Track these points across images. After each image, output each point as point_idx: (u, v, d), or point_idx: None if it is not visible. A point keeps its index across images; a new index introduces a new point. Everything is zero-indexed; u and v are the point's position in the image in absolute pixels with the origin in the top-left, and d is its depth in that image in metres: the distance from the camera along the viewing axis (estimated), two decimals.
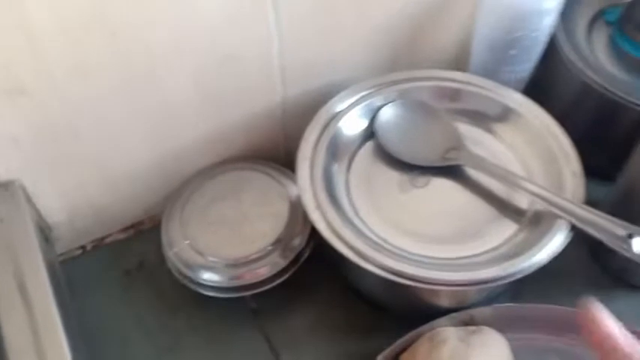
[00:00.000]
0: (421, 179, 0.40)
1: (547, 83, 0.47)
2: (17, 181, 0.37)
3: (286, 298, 0.42)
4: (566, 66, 0.44)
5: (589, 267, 0.45)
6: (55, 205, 0.41)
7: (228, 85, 0.40)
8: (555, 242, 0.35)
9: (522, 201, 0.39)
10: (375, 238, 0.37)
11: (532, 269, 0.35)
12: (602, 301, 0.43)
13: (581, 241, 0.44)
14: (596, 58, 0.45)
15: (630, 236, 0.34)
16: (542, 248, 0.35)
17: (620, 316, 0.40)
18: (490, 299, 0.40)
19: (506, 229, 0.38)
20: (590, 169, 0.39)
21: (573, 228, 0.36)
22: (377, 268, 0.35)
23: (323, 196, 0.37)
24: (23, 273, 0.34)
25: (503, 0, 0.41)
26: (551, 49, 0.45)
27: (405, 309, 0.41)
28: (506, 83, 0.44)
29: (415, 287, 0.35)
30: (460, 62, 0.47)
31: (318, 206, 0.37)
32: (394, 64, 0.46)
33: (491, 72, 0.45)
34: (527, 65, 0.44)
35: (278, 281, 0.40)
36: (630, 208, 0.40)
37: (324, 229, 0.36)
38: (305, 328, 0.42)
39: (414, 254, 0.37)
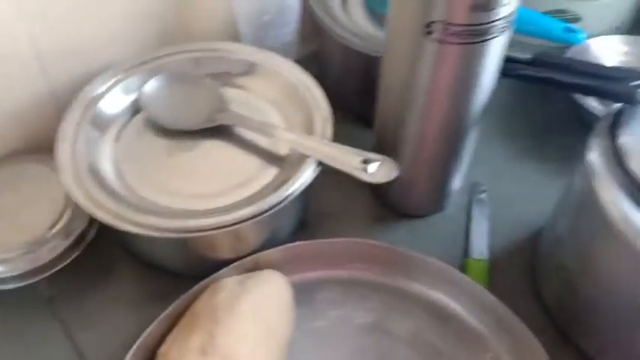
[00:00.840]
0: (188, 143, 0.42)
1: (320, 50, 0.51)
2: None
3: (81, 280, 0.43)
4: (325, 31, 0.48)
5: (371, 203, 0.49)
6: None
7: None
8: (304, 177, 0.39)
9: (282, 148, 0.42)
10: (140, 203, 0.39)
11: (282, 203, 0.38)
12: (384, 231, 0.48)
13: (366, 187, 0.49)
14: (352, 21, 0.49)
15: (366, 162, 0.39)
16: (292, 184, 0.38)
17: (399, 242, 0.45)
18: (281, 241, 0.42)
19: (269, 175, 0.41)
20: (364, 118, 0.43)
21: (320, 164, 0.40)
22: (136, 227, 0.36)
23: (85, 173, 0.39)
24: None
25: None
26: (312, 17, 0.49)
27: (193, 268, 0.42)
28: (274, 48, 0.48)
29: (185, 240, 0.37)
30: (231, 32, 0.50)
31: (80, 182, 0.38)
32: (165, 39, 0.48)
33: (258, 39, 0.48)
34: (286, 29, 0.48)
35: (63, 264, 0.40)
36: (383, 144, 0.44)
37: (83, 201, 0.37)
38: (100, 307, 0.42)
39: (179, 210, 0.39)
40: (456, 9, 0.33)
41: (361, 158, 0.38)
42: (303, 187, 0.38)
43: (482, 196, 0.50)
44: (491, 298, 0.40)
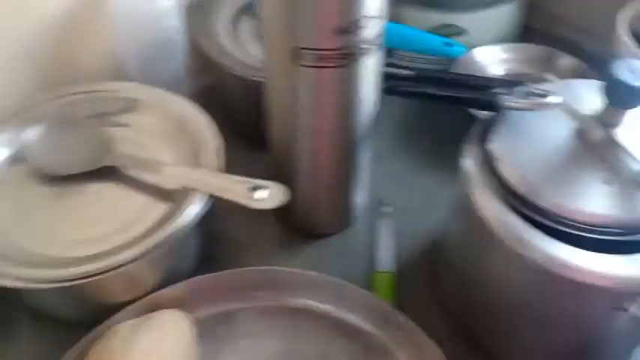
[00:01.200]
0: (75, 188, 0.41)
1: (214, 81, 0.52)
2: None
3: None
4: (213, 62, 0.48)
5: (278, 227, 0.49)
6: None
7: None
8: (192, 211, 0.38)
9: (171, 183, 0.41)
10: (23, 255, 0.37)
11: (169, 241, 0.37)
12: (291, 253, 0.48)
13: (270, 210, 0.48)
14: (242, 49, 0.50)
15: (254, 189, 0.39)
16: (179, 220, 0.38)
17: (307, 263, 0.45)
18: (184, 277, 0.41)
19: (159, 212, 0.40)
20: (262, 144, 0.44)
21: (211, 196, 0.39)
22: (14, 280, 0.35)
23: None
24: None
25: (127, 7, 0.44)
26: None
27: (90, 315, 0.40)
28: (164, 83, 0.47)
29: (73, 289, 0.36)
30: (118, 70, 0.49)
31: None
32: (48, 82, 0.47)
33: (144, 75, 0.48)
34: (172, 64, 0.48)
35: None
36: (279, 168, 0.45)
37: None
38: None
39: (65, 258, 0.38)
40: (319, 35, 0.34)
41: (249, 186, 0.38)
42: (192, 222, 0.38)
43: (387, 209, 0.50)
44: (394, 312, 0.40)
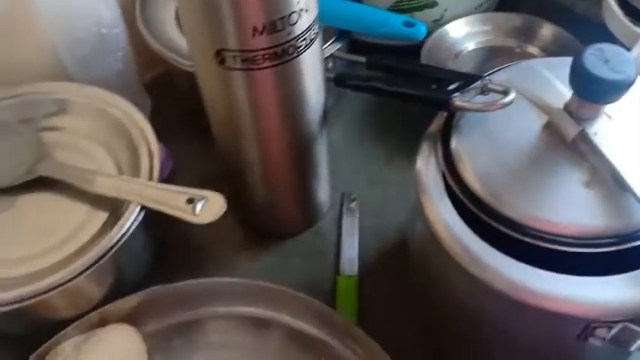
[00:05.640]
0: (7, 200, 0.39)
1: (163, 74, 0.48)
2: None
3: None
4: (160, 56, 0.45)
5: (238, 230, 0.47)
6: None
7: None
8: (129, 223, 0.36)
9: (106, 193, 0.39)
10: None
11: (109, 254, 0.35)
12: (253, 257, 0.46)
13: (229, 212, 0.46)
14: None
15: (191, 201, 0.36)
16: (113, 236, 0.35)
17: (270, 266, 0.43)
18: (135, 287, 0.39)
19: (98, 222, 0.38)
20: None
21: (143, 208, 0.37)
22: None
23: None
24: None
25: (55, 6, 0.40)
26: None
27: (38, 332, 0.39)
28: (108, 80, 0.44)
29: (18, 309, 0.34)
30: (58, 69, 0.46)
31: None
32: None
33: (85, 72, 0.44)
34: (111, 59, 0.44)
35: None
36: (230, 169, 0.41)
37: None
38: None
39: None
40: (241, 35, 0.30)
41: (186, 197, 0.35)
42: (131, 232, 0.35)
43: (353, 205, 0.47)
44: (351, 325, 0.37)
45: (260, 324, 0.40)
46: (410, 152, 0.52)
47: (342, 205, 0.47)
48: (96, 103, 0.41)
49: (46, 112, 0.42)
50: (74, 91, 0.42)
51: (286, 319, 0.39)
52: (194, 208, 0.35)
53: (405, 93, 0.34)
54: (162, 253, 0.44)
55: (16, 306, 0.34)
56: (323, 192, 0.45)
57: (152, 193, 0.36)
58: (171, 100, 0.51)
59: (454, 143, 0.32)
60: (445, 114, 0.34)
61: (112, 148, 0.41)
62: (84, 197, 0.39)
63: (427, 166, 0.33)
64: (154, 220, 0.39)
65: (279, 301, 0.39)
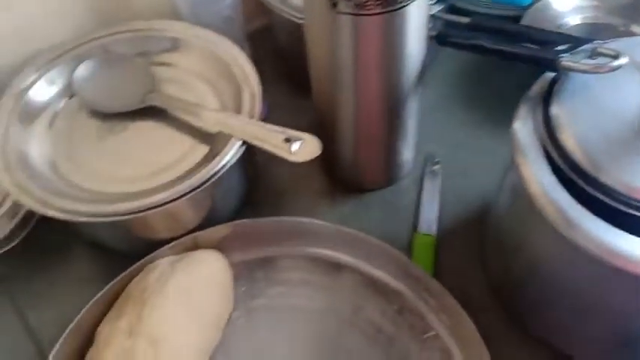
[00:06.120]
0: (120, 125, 0.42)
1: (268, 25, 0.50)
2: None
3: (31, 260, 0.44)
4: (268, 6, 0.47)
5: (322, 179, 0.49)
6: None
7: None
8: (227, 157, 0.38)
9: (210, 127, 0.41)
10: (69, 188, 0.39)
11: (207, 184, 0.38)
12: (333, 206, 0.48)
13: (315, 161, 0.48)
14: None
15: (288, 140, 0.38)
16: (215, 164, 0.38)
17: (349, 217, 0.44)
18: (225, 219, 0.42)
19: (199, 154, 0.41)
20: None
21: (243, 144, 0.39)
22: (61, 212, 0.36)
23: (15, 160, 0.39)
24: None
25: None
26: None
27: (134, 249, 0.42)
28: (215, 25, 0.46)
29: (117, 223, 0.37)
30: (170, 10, 0.49)
31: (9, 169, 0.38)
32: (102, 19, 0.47)
33: (196, 15, 0.47)
34: (221, 6, 0.46)
35: (11, 245, 0.42)
36: (323, 120, 0.43)
37: (9, 187, 0.37)
38: (49, 287, 0.43)
39: (109, 194, 0.39)
40: None
41: (284, 137, 0.37)
42: (229, 166, 0.38)
43: (436, 167, 0.48)
44: (431, 279, 0.39)
45: (336, 267, 0.42)
46: (499, 122, 0.52)
47: (425, 166, 0.48)
48: (205, 43, 0.44)
49: (160, 48, 0.45)
50: (187, 31, 0.45)
51: (362, 264, 0.41)
52: (290, 147, 0.37)
53: (510, 51, 0.34)
54: (252, 191, 0.46)
55: (118, 218, 0.37)
56: (408, 151, 0.46)
57: (253, 129, 0.38)
58: (268, 53, 0.53)
59: (555, 108, 0.32)
60: (547, 79, 0.34)
61: (216, 86, 0.43)
62: (188, 130, 0.42)
63: (524, 127, 0.33)
64: (249, 159, 0.41)
65: (358, 246, 0.41)
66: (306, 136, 0.38)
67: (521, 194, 0.32)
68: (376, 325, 0.40)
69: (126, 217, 0.37)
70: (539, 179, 0.31)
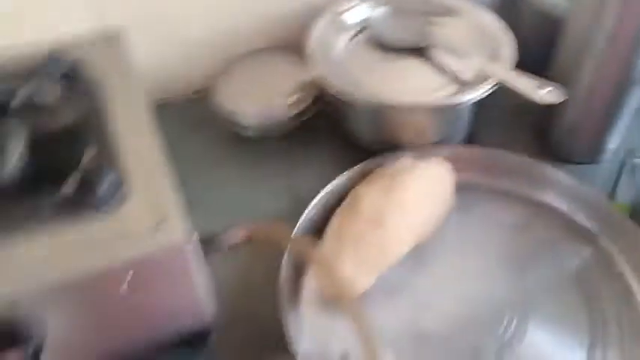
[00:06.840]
0: (398, 57, 0.56)
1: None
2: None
3: (300, 141, 0.57)
4: None
5: (530, 144, 0.57)
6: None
7: None
8: (480, 90, 0.50)
9: (467, 75, 0.53)
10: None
11: (465, 102, 0.50)
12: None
13: (527, 125, 0.58)
14: None
15: (539, 87, 0.48)
16: (463, 96, 0.50)
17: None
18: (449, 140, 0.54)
19: (451, 90, 0.52)
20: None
21: (497, 83, 0.50)
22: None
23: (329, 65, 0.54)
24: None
25: None
26: None
27: (379, 142, 0.54)
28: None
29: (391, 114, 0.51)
30: None
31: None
32: None
33: None
34: None
35: (300, 120, 0.56)
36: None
37: (326, 80, 0.52)
38: (309, 159, 0.57)
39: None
40: None
41: (536, 83, 0.48)
42: (482, 96, 0.50)
43: (636, 160, 0.54)
44: (633, 225, 0.46)
45: (532, 204, 0.51)
46: None
47: (625, 157, 0.53)
48: (468, 11, 0.58)
49: (438, 11, 0.59)
50: (458, 2, 0.59)
51: (569, 209, 0.50)
52: (540, 91, 0.48)
53: None
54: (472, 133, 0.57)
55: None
56: (617, 136, 0.54)
57: (509, 75, 0.50)
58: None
59: None
60: None
61: (476, 45, 0.55)
62: (445, 72, 0.54)
63: None
64: (487, 100, 0.51)
65: (569, 192, 0.50)
66: (555, 84, 0.48)
67: None
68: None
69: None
70: None
